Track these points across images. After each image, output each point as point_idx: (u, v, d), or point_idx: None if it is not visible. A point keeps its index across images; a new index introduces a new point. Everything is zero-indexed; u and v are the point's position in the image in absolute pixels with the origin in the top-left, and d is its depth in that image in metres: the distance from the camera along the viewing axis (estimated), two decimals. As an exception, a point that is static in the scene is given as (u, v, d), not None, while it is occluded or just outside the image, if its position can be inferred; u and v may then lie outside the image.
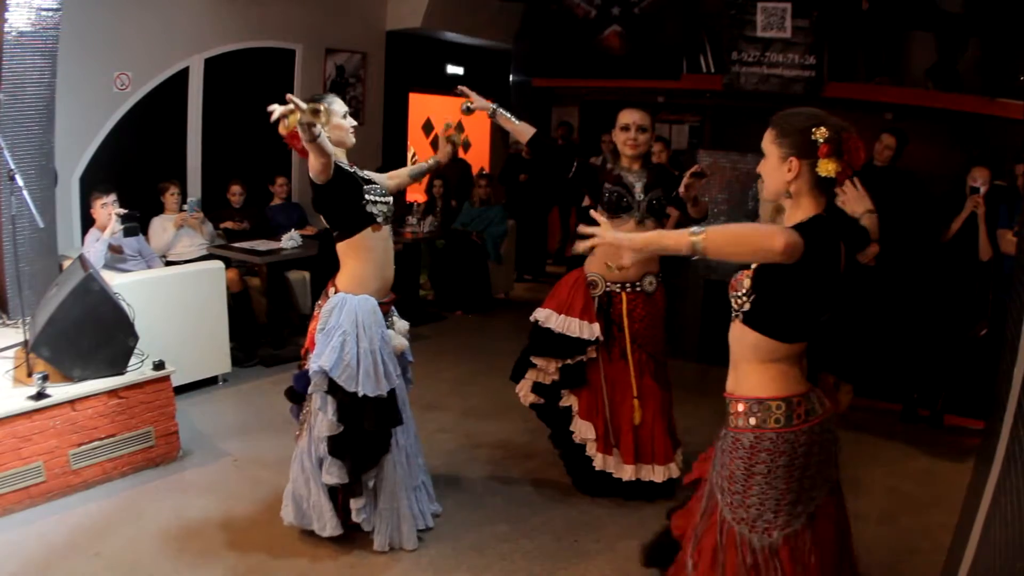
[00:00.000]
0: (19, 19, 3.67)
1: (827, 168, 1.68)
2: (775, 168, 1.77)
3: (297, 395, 2.85)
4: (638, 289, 3.17)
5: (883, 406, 4.51)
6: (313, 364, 2.61)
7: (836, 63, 6.11)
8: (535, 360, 3.21)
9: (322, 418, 2.65)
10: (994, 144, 5.11)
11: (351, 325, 2.63)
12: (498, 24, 7.67)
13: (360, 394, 2.58)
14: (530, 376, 3.26)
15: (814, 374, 1.82)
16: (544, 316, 3.19)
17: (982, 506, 1.99)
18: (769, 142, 1.78)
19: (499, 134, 8.79)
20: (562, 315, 3.16)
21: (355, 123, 2.77)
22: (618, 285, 3.18)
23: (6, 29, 3.64)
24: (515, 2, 7.66)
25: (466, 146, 9.06)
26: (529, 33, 7.98)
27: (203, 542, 2.87)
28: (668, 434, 3.25)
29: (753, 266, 1.78)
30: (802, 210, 1.75)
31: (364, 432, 2.64)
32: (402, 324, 2.98)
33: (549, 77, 8.06)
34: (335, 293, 2.73)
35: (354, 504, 2.73)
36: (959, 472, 3.41)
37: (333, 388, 2.61)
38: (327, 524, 2.76)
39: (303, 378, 2.75)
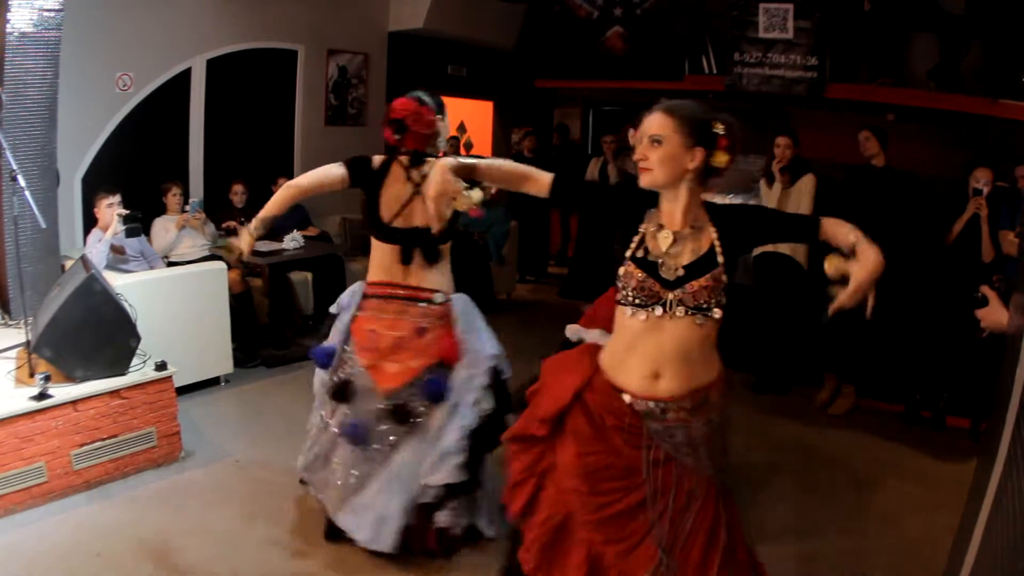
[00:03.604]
0: (21, 19, 3.67)
1: (721, 160, 1.75)
2: (678, 155, 1.76)
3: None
4: None
5: (885, 407, 4.51)
6: (484, 352, 2.67)
7: (838, 64, 6.09)
8: None
9: (474, 412, 2.67)
10: (996, 146, 5.11)
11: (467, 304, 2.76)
12: (500, 25, 7.67)
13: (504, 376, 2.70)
14: None
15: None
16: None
17: (984, 507, 1.98)
18: (671, 130, 1.76)
19: (501, 134, 8.79)
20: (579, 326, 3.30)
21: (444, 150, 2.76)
22: None
23: (8, 29, 3.64)
24: (517, 3, 7.65)
25: (468, 147, 9.05)
26: (531, 34, 7.98)
27: (205, 543, 2.87)
28: None
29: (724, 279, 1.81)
30: (681, 202, 1.80)
31: (499, 419, 2.65)
32: None
33: (551, 78, 8.07)
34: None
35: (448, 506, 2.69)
36: (961, 473, 3.41)
37: (495, 378, 2.68)
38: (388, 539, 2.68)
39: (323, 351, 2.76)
